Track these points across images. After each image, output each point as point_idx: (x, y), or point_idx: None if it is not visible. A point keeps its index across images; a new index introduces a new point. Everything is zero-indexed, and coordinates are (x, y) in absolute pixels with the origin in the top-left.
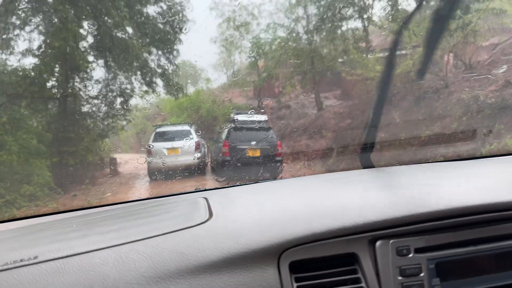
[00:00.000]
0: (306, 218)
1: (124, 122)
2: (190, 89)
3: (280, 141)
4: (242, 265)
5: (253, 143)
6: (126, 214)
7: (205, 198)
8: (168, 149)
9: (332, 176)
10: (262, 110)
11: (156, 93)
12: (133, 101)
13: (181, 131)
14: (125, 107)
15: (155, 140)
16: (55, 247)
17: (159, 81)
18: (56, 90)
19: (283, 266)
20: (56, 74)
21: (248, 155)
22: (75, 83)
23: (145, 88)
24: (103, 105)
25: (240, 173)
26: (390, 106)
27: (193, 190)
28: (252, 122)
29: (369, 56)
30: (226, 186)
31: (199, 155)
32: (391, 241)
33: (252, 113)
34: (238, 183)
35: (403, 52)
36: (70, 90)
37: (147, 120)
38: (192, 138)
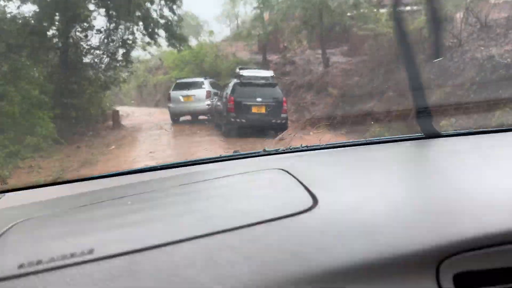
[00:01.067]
0: (471, 211)
1: (126, 74)
2: (193, 42)
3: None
4: (385, 276)
5: (259, 99)
6: (186, 185)
7: (285, 171)
8: (183, 96)
9: (430, 143)
10: (266, 66)
11: (158, 45)
12: (135, 53)
13: (196, 82)
14: (127, 58)
15: (174, 89)
16: (114, 237)
17: (161, 32)
18: (57, 40)
19: (444, 279)
20: (56, 23)
21: (253, 111)
22: (76, 33)
23: (147, 39)
24: (104, 56)
25: (246, 129)
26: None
27: (252, 153)
28: (258, 78)
29: (380, 10)
30: (297, 149)
31: (209, 102)
32: None
33: (258, 68)
34: (313, 146)
35: (414, 8)
36: (71, 40)
37: (148, 73)
38: (204, 88)
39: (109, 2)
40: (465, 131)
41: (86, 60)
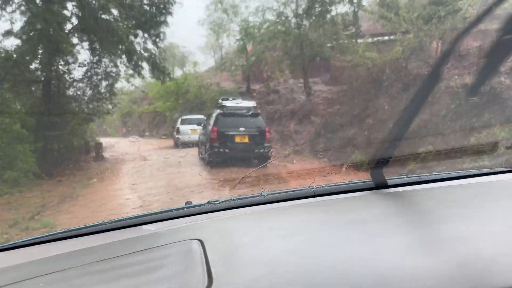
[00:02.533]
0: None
1: (110, 106)
2: (177, 72)
3: (268, 126)
4: None
5: (242, 129)
6: (104, 262)
7: (200, 242)
8: (191, 129)
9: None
10: (251, 95)
11: (142, 77)
12: (119, 84)
13: (199, 118)
14: (110, 90)
15: (182, 123)
16: None
17: (145, 65)
18: (39, 73)
19: None
20: (39, 56)
21: (236, 141)
22: (59, 66)
23: (130, 71)
24: (88, 88)
25: (229, 159)
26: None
27: (180, 212)
28: (240, 108)
29: (358, 41)
30: (225, 207)
31: None
32: None
33: (239, 99)
34: (239, 202)
35: (391, 37)
36: (54, 73)
37: (133, 103)
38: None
39: (92, 35)
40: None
41: (69, 92)
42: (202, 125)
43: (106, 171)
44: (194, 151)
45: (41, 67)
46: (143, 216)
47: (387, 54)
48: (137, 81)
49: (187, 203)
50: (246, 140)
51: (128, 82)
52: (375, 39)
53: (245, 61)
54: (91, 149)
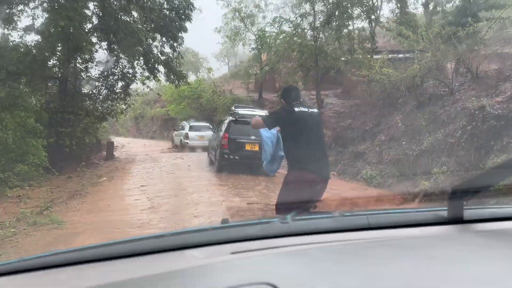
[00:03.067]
0: None
1: (124, 106)
2: (191, 77)
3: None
4: None
5: (253, 137)
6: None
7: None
8: (198, 136)
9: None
10: (263, 104)
11: (158, 80)
12: (133, 86)
13: (205, 125)
14: (125, 91)
15: (190, 130)
16: None
17: (161, 68)
18: (57, 70)
19: None
20: (58, 53)
21: (247, 148)
22: (77, 64)
23: (146, 73)
24: (103, 87)
25: (238, 166)
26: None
27: (227, 235)
28: (252, 116)
29: (374, 57)
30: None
31: None
32: None
33: (252, 107)
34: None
35: (407, 55)
36: (71, 71)
37: (146, 105)
38: (211, 130)
39: (111, 36)
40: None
41: (85, 90)
42: (213, 130)
43: (116, 170)
44: (202, 156)
45: (59, 64)
46: (178, 233)
47: (403, 71)
48: (151, 83)
49: (223, 221)
50: (257, 148)
51: (143, 84)
52: (391, 55)
53: (258, 70)
54: (102, 148)
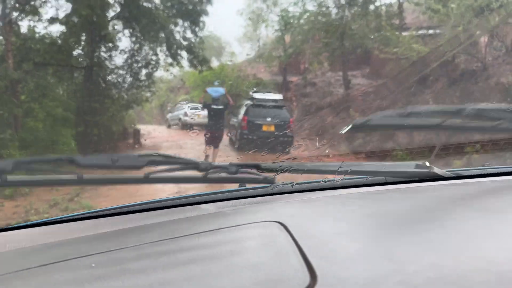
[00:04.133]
0: None
1: (148, 94)
2: (214, 63)
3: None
4: None
5: (269, 119)
6: (165, 242)
7: (283, 226)
8: (197, 114)
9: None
10: (287, 87)
11: (181, 66)
12: (157, 73)
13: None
14: (150, 78)
15: (189, 108)
16: None
17: (183, 54)
18: (82, 59)
19: None
20: (82, 42)
21: (264, 129)
22: (101, 53)
23: (170, 60)
24: (128, 75)
25: (257, 144)
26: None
27: (243, 193)
28: (268, 100)
29: (403, 33)
30: (303, 189)
31: None
32: None
33: (269, 92)
34: (310, 185)
35: (438, 31)
36: (95, 60)
37: (170, 92)
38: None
39: (134, 23)
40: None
41: (110, 79)
42: (233, 113)
43: None
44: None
45: (84, 53)
46: (199, 195)
47: (433, 47)
48: (174, 70)
49: (240, 185)
50: (272, 128)
51: (167, 70)
52: (421, 31)
53: (282, 52)
54: (129, 135)
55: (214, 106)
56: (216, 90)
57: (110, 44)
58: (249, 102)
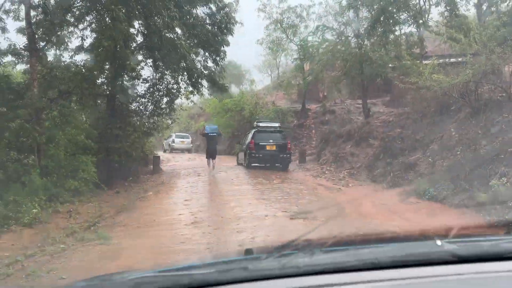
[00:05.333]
0: None
1: (169, 121)
2: (234, 89)
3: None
4: None
5: (271, 141)
6: None
7: None
8: (180, 141)
9: None
10: (306, 114)
11: (201, 94)
12: (177, 100)
13: (185, 135)
14: (170, 106)
15: (176, 137)
16: None
17: (204, 82)
18: (105, 87)
19: None
20: (106, 71)
21: (267, 149)
22: (124, 81)
23: (190, 88)
24: (149, 103)
25: (262, 161)
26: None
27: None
28: (269, 127)
29: (423, 62)
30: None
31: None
32: None
33: (269, 121)
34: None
35: (459, 59)
36: (118, 88)
37: (191, 119)
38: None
39: (156, 52)
40: None
41: (132, 107)
42: (241, 141)
43: (162, 184)
44: (240, 170)
45: (107, 82)
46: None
47: (455, 77)
48: (195, 97)
49: (247, 251)
50: (274, 148)
51: (188, 98)
52: (442, 60)
53: (301, 80)
54: (149, 162)
55: (211, 134)
56: (212, 128)
57: (133, 73)
58: (254, 129)
